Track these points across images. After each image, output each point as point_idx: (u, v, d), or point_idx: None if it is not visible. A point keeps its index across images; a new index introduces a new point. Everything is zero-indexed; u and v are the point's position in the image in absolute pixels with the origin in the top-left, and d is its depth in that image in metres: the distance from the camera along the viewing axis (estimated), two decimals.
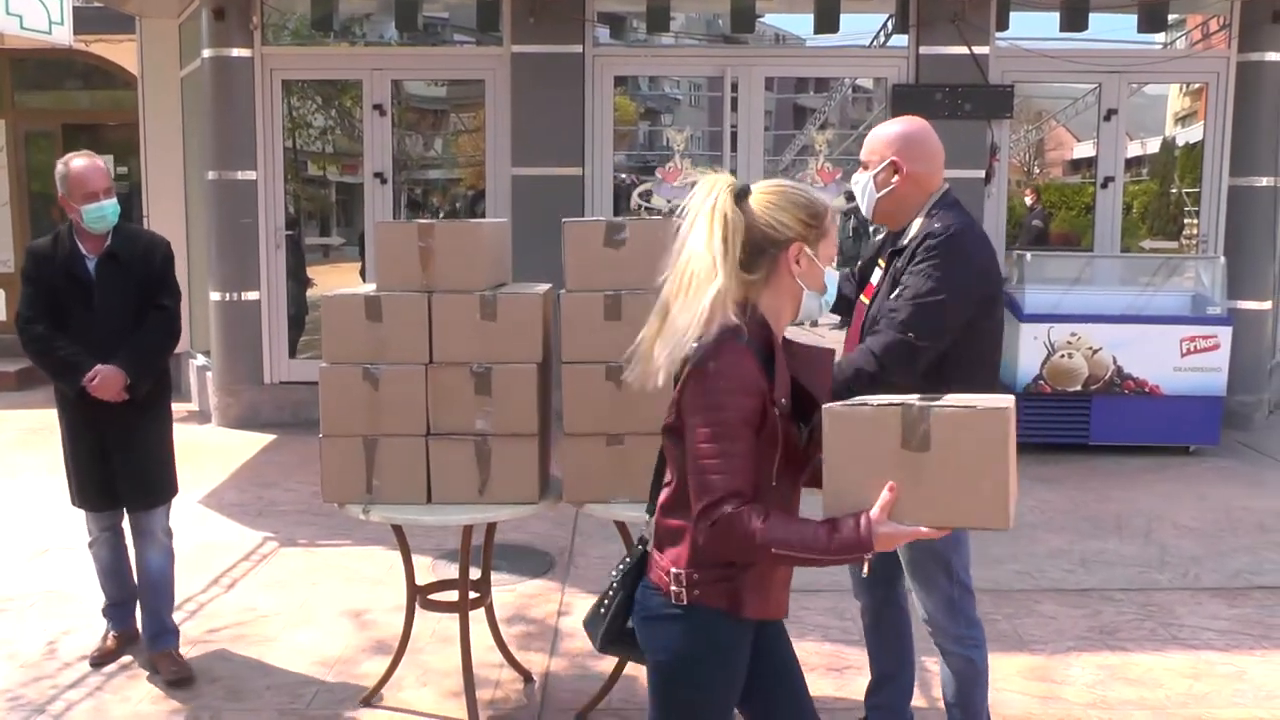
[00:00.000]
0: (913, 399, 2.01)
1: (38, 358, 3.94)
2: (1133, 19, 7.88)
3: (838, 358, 2.87)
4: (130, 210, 11.50)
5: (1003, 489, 1.96)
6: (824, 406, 2.05)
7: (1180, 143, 10.08)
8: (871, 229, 4.52)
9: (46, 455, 7.50)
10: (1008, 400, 2.00)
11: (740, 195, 2.07)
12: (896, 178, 2.95)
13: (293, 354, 8.54)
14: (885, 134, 3.01)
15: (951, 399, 2.02)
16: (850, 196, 8.52)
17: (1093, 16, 7.84)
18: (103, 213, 3.89)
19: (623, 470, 3.37)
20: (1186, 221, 9.11)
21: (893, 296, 2.89)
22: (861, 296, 3.12)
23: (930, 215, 2.92)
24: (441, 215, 9.34)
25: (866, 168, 3.02)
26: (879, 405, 2.01)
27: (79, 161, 3.91)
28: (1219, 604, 4.75)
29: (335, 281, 9.23)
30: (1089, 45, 8.21)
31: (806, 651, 4.22)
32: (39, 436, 8.06)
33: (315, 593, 4.88)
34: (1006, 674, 4.03)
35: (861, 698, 3.78)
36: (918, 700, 3.83)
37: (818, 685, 3.91)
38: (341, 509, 3.53)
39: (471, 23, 8.09)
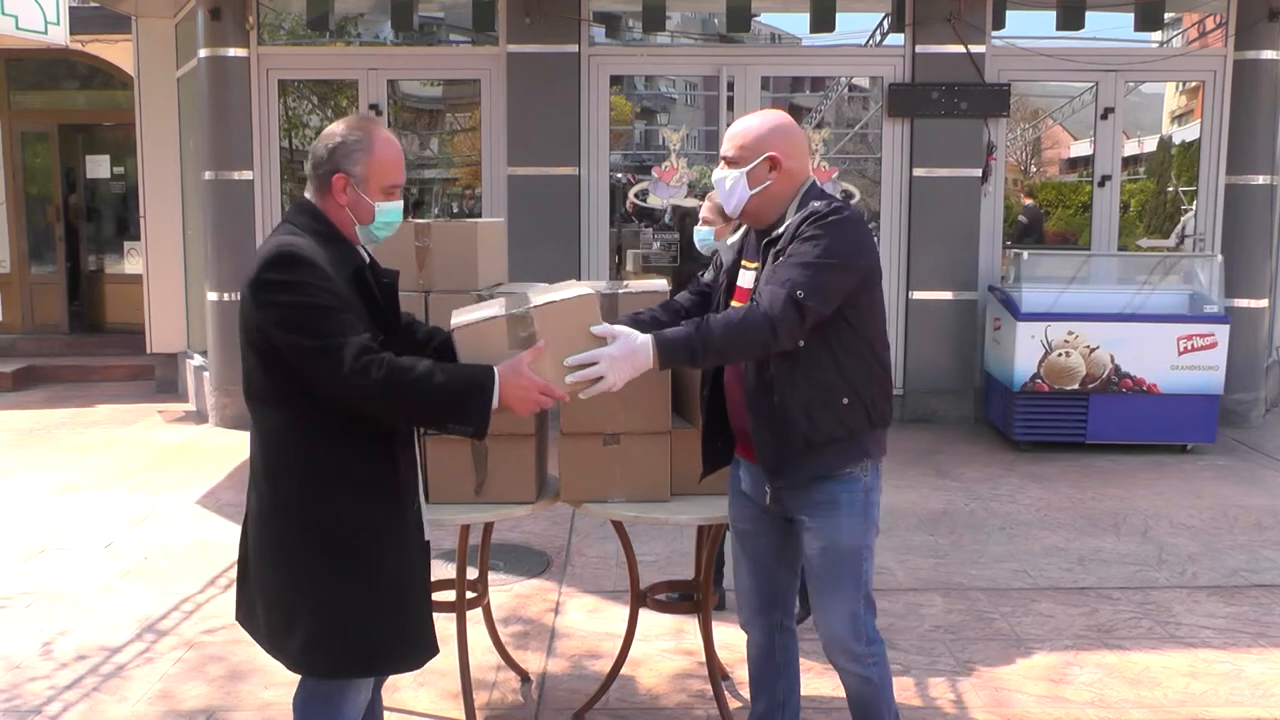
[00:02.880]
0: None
1: (412, 391, 2.35)
2: (1129, 17, 7.88)
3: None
4: (127, 210, 11.53)
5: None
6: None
7: (1177, 141, 10.09)
8: (702, 246, 4.29)
9: (42, 456, 7.50)
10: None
11: None
12: (773, 174, 2.80)
13: None
14: (756, 128, 2.83)
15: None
16: (848, 195, 8.54)
17: (1089, 15, 7.85)
18: (395, 218, 2.59)
19: (619, 469, 3.37)
20: (1184, 220, 9.12)
21: (771, 265, 2.75)
22: (733, 303, 2.93)
23: (805, 203, 2.79)
24: (436, 214, 9.33)
25: (734, 164, 2.83)
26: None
27: (385, 134, 2.56)
28: (1216, 602, 4.75)
29: None
30: (1085, 44, 8.22)
31: (804, 652, 4.21)
32: (33, 438, 8.06)
33: None
34: (1004, 673, 4.03)
35: None
36: (915, 700, 3.84)
37: (815, 685, 3.91)
38: None
39: (467, 22, 8.08)
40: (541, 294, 2.61)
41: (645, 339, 2.61)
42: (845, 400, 2.75)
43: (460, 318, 2.58)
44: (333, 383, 2.33)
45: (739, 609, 3.17)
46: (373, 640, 2.50)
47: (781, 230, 2.79)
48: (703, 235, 4.25)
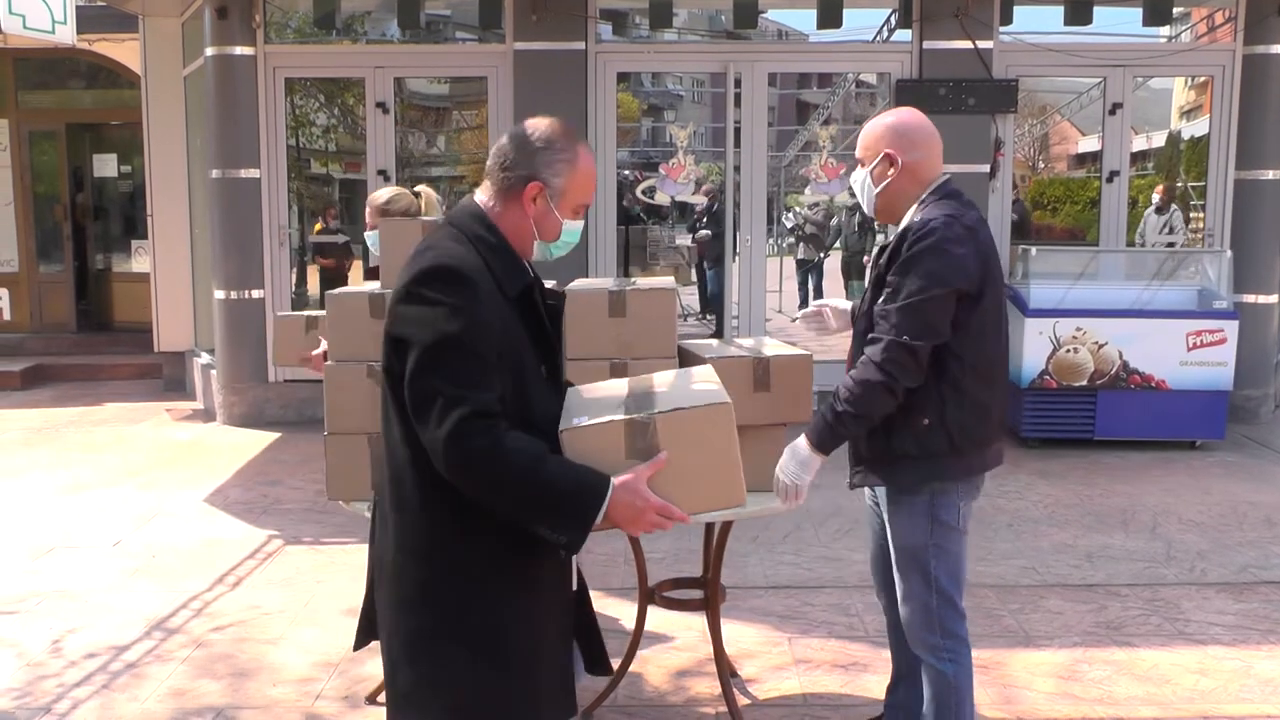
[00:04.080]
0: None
1: (513, 476, 2.04)
2: (1137, 12, 7.85)
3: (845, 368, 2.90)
4: (135, 208, 11.56)
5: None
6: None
7: (1185, 136, 10.06)
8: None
9: (50, 454, 7.52)
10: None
11: None
12: (893, 171, 2.87)
13: None
14: (877, 127, 2.93)
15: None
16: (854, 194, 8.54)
17: (1097, 10, 7.83)
18: (576, 238, 2.33)
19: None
20: (1192, 215, 9.10)
21: (880, 301, 2.82)
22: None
23: (922, 206, 2.84)
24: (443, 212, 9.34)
25: (862, 164, 2.95)
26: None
27: (587, 148, 2.28)
28: (1225, 599, 4.74)
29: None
30: (1093, 39, 8.19)
31: (813, 649, 4.22)
32: (42, 436, 8.08)
33: (320, 590, 4.88)
34: (1013, 670, 4.02)
35: (868, 694, 3.79)
36: None
37: (824, 682, 3.91)
38: (347, 506, 3.52)
39: (474, 20, 8.08)
40: (666, 385, 2.32)
41: (799, 440, 2.85)
42: (926, 421, 2.81)
43: (574, 419, 2.15)
44: (428, 435, 2.02)
45: (873, 576, 3.34)
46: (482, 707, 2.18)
47: (888, 243, 2.88)
48: None
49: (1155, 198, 9.63)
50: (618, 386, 2.35)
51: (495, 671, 2.14)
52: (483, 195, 2.24)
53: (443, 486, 2.07)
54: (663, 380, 2.38)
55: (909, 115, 2.95)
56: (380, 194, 4.44)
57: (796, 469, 2.85)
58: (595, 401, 2.24)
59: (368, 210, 4.46)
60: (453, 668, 2.14)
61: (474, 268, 2.08)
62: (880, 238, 2.95)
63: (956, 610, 2.95)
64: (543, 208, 2.19)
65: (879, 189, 2.91)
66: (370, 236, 4.39)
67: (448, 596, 2.13)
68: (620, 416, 2.12)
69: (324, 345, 4.15)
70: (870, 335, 2.83)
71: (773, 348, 3.45)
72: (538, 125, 2.22)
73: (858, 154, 2.98)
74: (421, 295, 2.05)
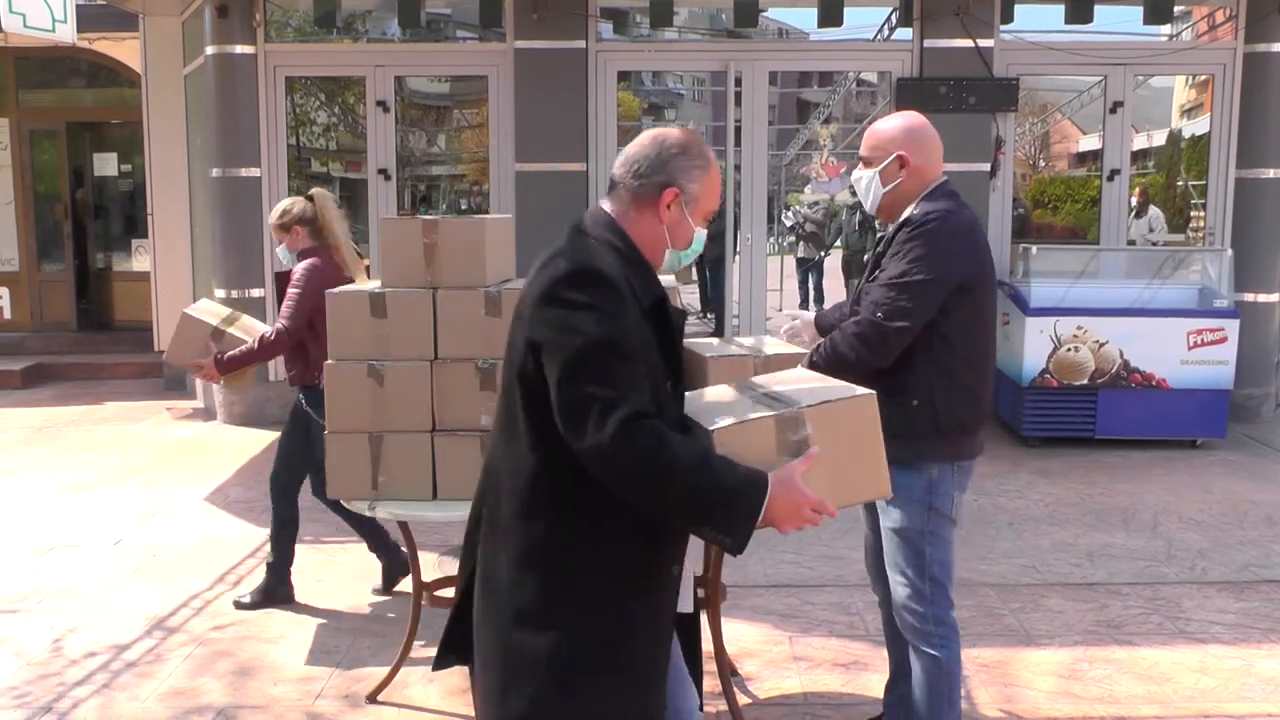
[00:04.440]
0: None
1: (680, 477, 1.95)
2: (1138, 10, 7.85)
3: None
4: (135, 207, 11.56)
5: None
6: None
7: (1186, 135, 10.06)
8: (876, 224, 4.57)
9: (51, 453, 7.52)
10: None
11: None
12: (903, 172, 2.96)
13: None
14: (889, 129, 3.01)
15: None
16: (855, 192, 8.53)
17: (1098, 8, 7.82)
18: (701, 246, 2.28)
19: None
20: (1193, 214, 9.09)
21: (871, 281, 2.99)
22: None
23: (922, 202, 2.96)
24: (444, 211, 9.34)
25: (869, 164, 3.02)
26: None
27: (714, 158, 2.27)
28: (1226, 598, 4.73)
29: None
30: (1094, 37, 8.19)
31: (813, 647, 4.22)
32: (42, 435, 8.08)
33: (321, 589, 4.88)
34: (1014, 669, 4.02)
35: (869, 693, 3.79)
36: None
37: (825, 680, 3.91)
38: (348, 505, 3.52)
39: (474, 19, 8.08)
40: (788, 384, 2.31)
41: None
42: (915, 402, 2.89)
43: (720, 420, 2.11)
44: (588, 440, 1.92)
45: (868, 570, 3.39)
46: None
47: (890, 231, 2.97)
48: None
49: (1133, 201, 9.63)
50: (730, 391, 2.32)
51: (622, 684, 2.09)
52: (610, 204, 2.19)
53: (578, 495, 2.03)
54: (779, 380, 2.37)
55: (918, 119, 3.05)
56: (273, 212, 4.59)
57: None
58: (722, 405, 2.20)
59: (271, 227, 4.61)
60: (581, 684, 2.06)
61: (617, 274, 2.03)
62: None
63: (947, 597, 3.03)
64: (677, 215, 2.17)
65: (888, 189, 2.99)
66: (280, 250, 4.57)
67: (576, 609, 2.06)
68: (768, 413, 2.10)
69: (213, 353, 4.25)
70: (859, 310, 2.97)
71: (773, 346, 3.45)
72: (669, 133, 2.20)
73: (863, 153, 3.03)
74: (567, 298, 1.98)
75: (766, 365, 3.26)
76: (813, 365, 2.86)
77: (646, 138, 2.21)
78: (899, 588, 3.04)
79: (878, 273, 2.96)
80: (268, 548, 4.72)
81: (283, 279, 4.55)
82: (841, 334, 2.94)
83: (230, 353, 4.34)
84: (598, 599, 2.06)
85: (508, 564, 2.09)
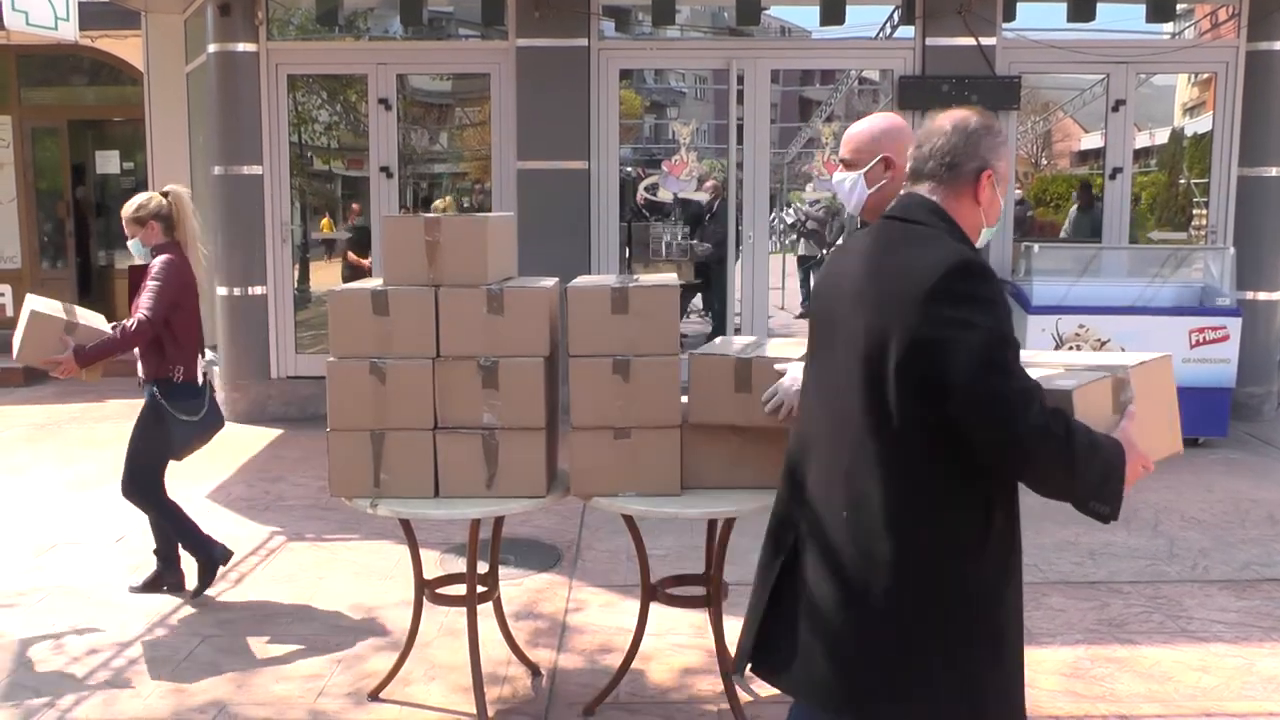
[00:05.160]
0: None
1: (1082, 456, 2.03)
2: (1140, 9, 7.84)
3: None
4: None
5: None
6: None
7: (1189, 133, 10.04)
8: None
9: (53, 451, 7.53)
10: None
11: None
12: (888, 174, 2.89)
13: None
14: (872, 131, 2.94)
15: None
16: None
17: (1100, 6, 7.80)
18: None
19: (629, 464, 3.37)
20: (1195, 212, 9.08)
21: None
22: None
23: None
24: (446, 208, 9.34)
25: (852, 166, 2.94)
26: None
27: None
28: (1228, 596, 4.73)
29: (339, 277, 9.24)
30: (1096, 36, 8.18)
31: None
32: (45, 432, 8.09)
33: (323, 587, 4.88)
34: None
35: None
36: None
37: None
38: (349, 503, 3.53)
39: (476, 16, 8.08)
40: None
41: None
42: None
43: (1062, 380, 2.17)
44: (1016, 428, 1.91)
45: None
46: None
47: None
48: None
49: (1074, 196, 9.62)
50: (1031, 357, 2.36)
51: (1002, 677, 2.14)
52: (932, 192, 2.21)
53: (959, 489, 2.06)
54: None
55: (899, 120, 3.00)
56: (129, 205, 4.64)
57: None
58: (1041, 371, 2.22)
59: (125, 220, 4.67)
60: (962, 683, 2.09)
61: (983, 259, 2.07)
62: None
63: None
64: (991, 194, 2.21)
65: (873, 190, 2.91)
66: (133, 244, 4.64)
67: (959, 608, 2.07)
68: (1105, 375, 2.20)
69: (71, 349, 4.28)
70: None
71: (774, 349, 3.46)
72: (967, 116, 2.23)
73: (846, 155, 2.96)
74: (962, 293, 1.99)
75: (748, 369, 3.30)
76: None
77: (945, 124, 2.22)
78: None
79: None
80: (270, 545, 4.74)
81: (137, 272, 4.71)
82: None
83: (92, 344, 4.40)
84: (984, 592, 2.10)
85: (883, 570, 2.06)
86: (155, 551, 4.81)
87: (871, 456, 2.08)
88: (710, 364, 3.32)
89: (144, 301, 4.41)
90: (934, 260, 2.02)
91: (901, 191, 2.59)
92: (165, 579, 4.79)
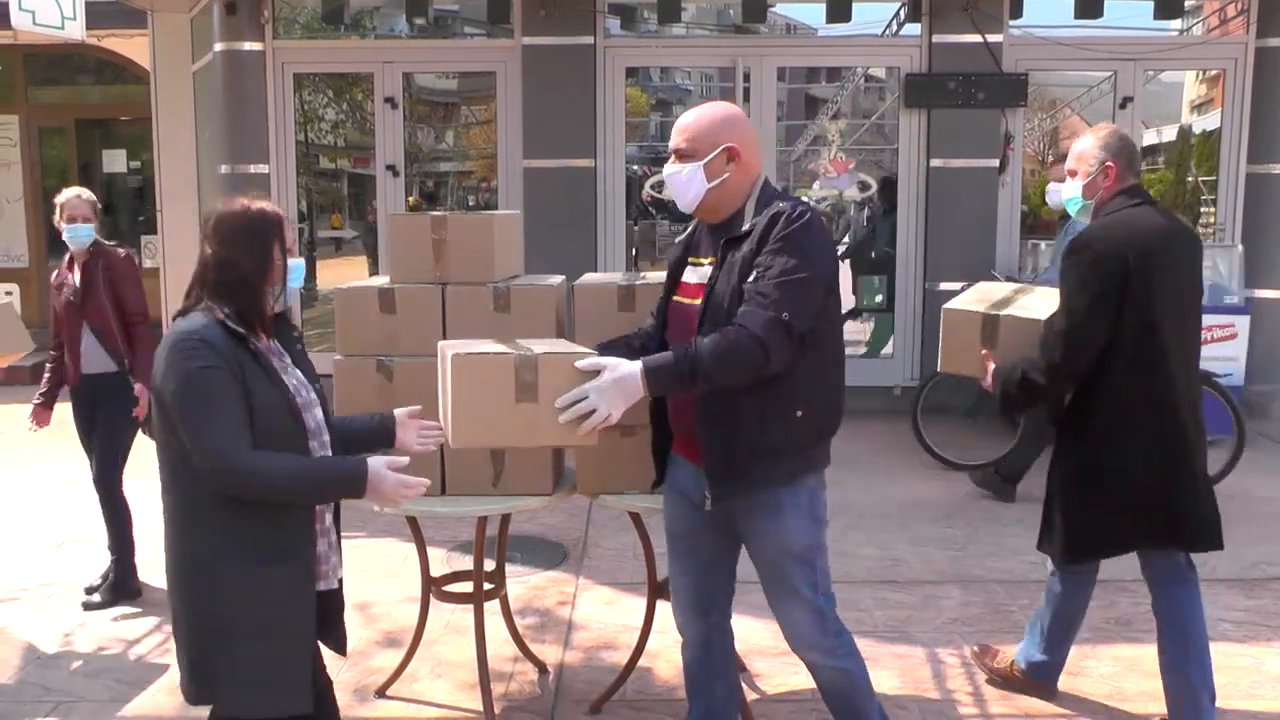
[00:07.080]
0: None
1: None
2: (1148, 5, 7.82)
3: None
4: (144, 204, 11.59)
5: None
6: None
7: (1197, 130, 10.01)
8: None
9: (60, 448, 7.54)
10: None
11: None
12: (731, 166, 2.71)
13: None
14: (711, 119, 2.74)
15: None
16: (864, 185, 8.51)
17: (1107, 3, 7.79)
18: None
19: (636, 461, 3.36)
20: (1204, 210, 9.05)
21: (751, 279, 2.62)
22: (676, 297, 2.89)
23: (765, 200, 2.72)
24: (452, 207, 9.35)
25: (690, 158, 2.73)
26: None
27: None
28: (1236, 595, 4.72)
29: (347, 275, 9.25)
30: (1104, 32, 8.15)
31: None
32: (52, 430, 8.09)
33: None
34: None
35: (876, 689, 3.77)
36: (932, 692, 3.82)
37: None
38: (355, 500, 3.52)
39: (482, 15, 8.09)
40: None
41: (633, 366, 2.55)
42: (799, 413, 2.68)
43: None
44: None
45: (674, 610, 3.13)
46: None
47: (746, 228, 2.69)
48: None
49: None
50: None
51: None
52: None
53: None
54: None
55: (738, 110, 2.83)
56: (85, 193, 5.15)
57: (617, 399, 2.54)
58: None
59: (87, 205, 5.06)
60: None
61: None
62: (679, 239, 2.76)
63: (834, 602, 2.88)
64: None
65: (714, 184, 2.72)
66: (86, 229, 5.01)
67: None
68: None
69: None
70: (744, 309, 2.60)
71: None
72: (1106, 131, 3.51)
73: (681, 145, 2.74)
74: None
75: None
76: (691, 362, 2.55)
77: (1099, 133, 3.46)
78: (795, 613, 2.84)
79: (756, 269, 2.62)
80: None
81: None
82: (746, 334, 2.54)
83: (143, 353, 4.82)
84: None
85: None
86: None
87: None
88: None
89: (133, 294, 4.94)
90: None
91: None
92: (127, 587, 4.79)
